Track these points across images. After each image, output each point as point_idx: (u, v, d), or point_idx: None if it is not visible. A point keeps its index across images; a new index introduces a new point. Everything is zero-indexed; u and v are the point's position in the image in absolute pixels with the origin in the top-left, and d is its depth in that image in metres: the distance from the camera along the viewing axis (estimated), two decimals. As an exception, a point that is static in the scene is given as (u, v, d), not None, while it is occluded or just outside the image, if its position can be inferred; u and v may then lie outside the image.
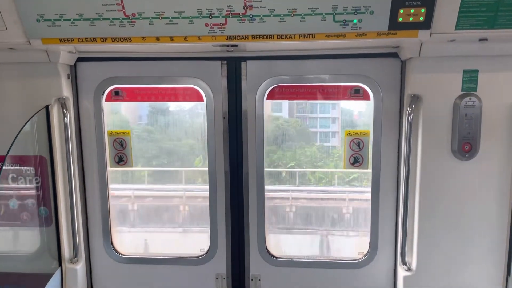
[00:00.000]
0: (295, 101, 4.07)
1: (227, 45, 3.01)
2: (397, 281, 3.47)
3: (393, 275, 3.56)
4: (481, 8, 2.55)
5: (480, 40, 2.78)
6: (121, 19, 2.76)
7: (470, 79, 2.99)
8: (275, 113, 4.09)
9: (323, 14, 2.65)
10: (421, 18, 2.61)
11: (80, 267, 3.57)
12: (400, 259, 3.32)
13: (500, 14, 2.56)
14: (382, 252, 3.54)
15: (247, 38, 2.80)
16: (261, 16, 2.69)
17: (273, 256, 3.65)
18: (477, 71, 2.98)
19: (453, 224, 3.18)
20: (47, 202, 3.44)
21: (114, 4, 2.71)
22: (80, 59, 3.42)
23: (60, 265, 3.49)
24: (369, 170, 3.48)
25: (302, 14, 2.66)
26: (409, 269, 3.31)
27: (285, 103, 3.47)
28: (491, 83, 2.99)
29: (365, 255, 3.58)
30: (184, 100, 3.67)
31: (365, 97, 3.39)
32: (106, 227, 3.68)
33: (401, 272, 3.34)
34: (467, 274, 3.22)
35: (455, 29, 2.64)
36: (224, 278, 3.69)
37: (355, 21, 2.67)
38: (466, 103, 3.00)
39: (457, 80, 3.01)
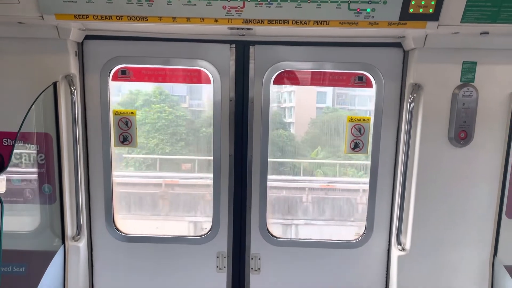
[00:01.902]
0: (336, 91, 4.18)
1: (242, 28, 3.07)
2: (390, 260, 3.66)
3: (387, 255, 3.75)
4: (486, 2, 2.71)
5: (482, 33, 2.95)
6: None
7: (469, 70, 3.18)
8: (319, 104, 4.20)
9: (339, 1, 2.76)
10: (431, 10, 2.75)
11: (82, 245, 3.59)
12: (395, 239, 3.50)
13: (503, 10, 2.73)
14: (377, 234, 3.72)
15: (263, 23, 2.87)
16: (279, 1, 2.76)
17: (273, 236, 3.78)
18: (475, 63, 3.16)
19: (446, 206, 3.38)
20: (52, 179, 3.43)
21: None
22: (87, 37, 3.40)
23: (63, 242, 3.50)
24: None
25: (319, 1, 2.76)
26: (403, 249, 3.49)
27: (329, 94, 3.55)
28: (488, 75, 3.18)
29: (361, 236, 3.75)
30: (191, 82, 3.71)
31: (368, 84, 3.53)
32: (108, 205, 3.70)
33: (395, 252, 3.53)
34: (458, 253, 3.44)
35: (461, 22, 2.80)
36: (224, 257, 3.79)
37: (368, 10, 2.78)
38: (464, 93, 3.18)
39: (456, 71, 3.19)
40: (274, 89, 3.58)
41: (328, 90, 3.47)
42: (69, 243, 3.53)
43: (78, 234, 3.54)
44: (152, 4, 2.80)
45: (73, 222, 3.53)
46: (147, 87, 4.24)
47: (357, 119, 3.59)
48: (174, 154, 5.30)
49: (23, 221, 3.53)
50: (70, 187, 3.46)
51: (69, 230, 3.52)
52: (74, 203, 3.47)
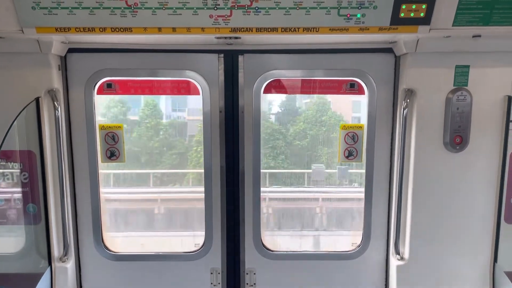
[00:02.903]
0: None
1: (230, 37, 2.99)
2: (389, 271, 3.57)
3: (385, 265, 3.66)
4: (478, 5, 2.67)
5: (474, 36, 2.91)
6: (122, 8, 2.68)
7: (462, 74, 3.13)
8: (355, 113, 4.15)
9: (328, 8, 2.69)
10: (422, 14, 2.70)
11: (70, 265, 3.44)
12: (394, 249, 3.42)
13: (495, 12, 2.69)
14: (375, 243, 3.63)
15: (251, 31, 2.79)
16: (267, 8, 2.69)
17: (268, 249, 3.67)
18: (468, 66, 3.11)
19: (444, 214, 3.31)
20: (36, 199, 3.30)
21: None
22: (71, 50, 3.30)
23: (50, 264, 3.36)
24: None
25: (308, 8, 2.69)
26: (402, 258, 3.41)
27: (363, 103, 3.50)
28: (481, 78, 3.13)
29: (358, 246, 3.66)
30: (179, 93, 3.62)
31: (360, 91, 3.47)
32: (96, 224, 3.57)
33: (394, 262, 3.44)
34: (458, 261, 3.37)
35: (453, 25, 2.75)
36: (219, 273, 3.67)
37: (358, 15, 2.72)
38: (458, 97, 3.13)
39: (449, 75, 3.14)
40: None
41: (362, 98, 3.44)
42: (56, 264, 3.38)
43: (65, 255, 3.40)
44: (136, 14, 2.71)
45: (60, 242, 3.39)
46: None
47: (350, 127, 3.52)
48: (278, 168, 5.39)
49: (7, 242, 3.39)
50: (55, 206, 3.33)
51: (56, 250, 3.38)
52: (61, 222, 3.34)
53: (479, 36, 2.90)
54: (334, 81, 3.51)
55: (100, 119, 3.61)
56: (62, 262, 3.40)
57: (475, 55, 3.09)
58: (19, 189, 3.30)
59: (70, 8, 2.67)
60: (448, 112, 3.15)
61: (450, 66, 3.12)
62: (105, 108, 3.99)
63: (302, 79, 3.54)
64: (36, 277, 3.24)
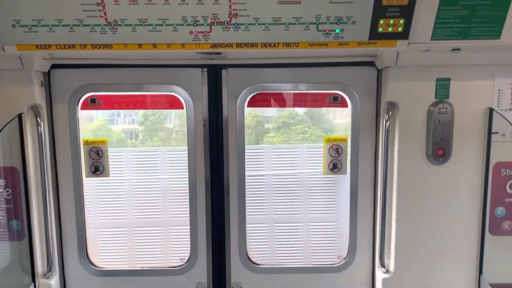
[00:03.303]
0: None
1: (211, 53, 3.01)
2: (375, 284, 3.56)
3: (371, 278, 3.65)
4: (455, 19, 2.69)
5: (453, 50, 2.93)
6: (102, 25, 2.70)
7: (443, 87, 3.15)
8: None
9: (307, 23, 2.71)
10: (400, 29, 2.72)
11: (54, 282, 3.42)
12: (379, 262, 3.41)
13: (473, 26, 2.71)
14: (360, 256, 3.63)
15: (232, 46, 2.81)
16: (246, 24, 2.71)
17: (254, 263, 3.66)
18: (449, 79, 3.14)
19: (429, 226, 3.31)
20: (19, 215, 3.29)
21: (95, 10, 2.64)
22: (54, 66, 3.31)
23: (33, 280, 3.34)
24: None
25: (287, 23, 2.71)
26: (387, 271, 3.40)
27: None
28: (462, 91, 3.16)
29: (344, 259, 3.65)
30: (164, 108, 3.63)
31: (343, 104, 3.48)
32: (81, 239, 3.56)
33: (380, 275, 3.43)
34: (443, 274, 3.36)
35: (431, 39, 2.77)
36: (204, 287, 3.65)
37: (337, 30, 2.74)
38: (439, 109, 3.14)
39: (430, 88, 3.16)
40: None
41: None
42: (40, 280, 3.36)
43: (49, 271, 3.37)
44: (116, 31, 2.72)
45: (44, 258, 3.37)
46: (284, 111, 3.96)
47: (334, 139, 3.53)
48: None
49: None
50: (39, 222, 3.32)
51: (39, 266, 3.36)
52: (44, 238, 3.32)
53: (459, 49, 2.92)
54: (318, 95, 3.53)
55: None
56: (46, 278, 3.38)
57: (455, 68, 3.11)
58: (3, 206, 3.29)
59: (50, 25, 2.69)
60: (430, 125, 3.17)
61: (431, 79, 3.14)
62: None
63: (285, 93, 3.55)
64: None
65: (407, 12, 2.66)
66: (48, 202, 3.28)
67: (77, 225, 3.54)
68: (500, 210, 3.32)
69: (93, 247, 3.67)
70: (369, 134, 3.46)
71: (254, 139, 3.75)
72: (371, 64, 3.33)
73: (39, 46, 2.78)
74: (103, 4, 2.62)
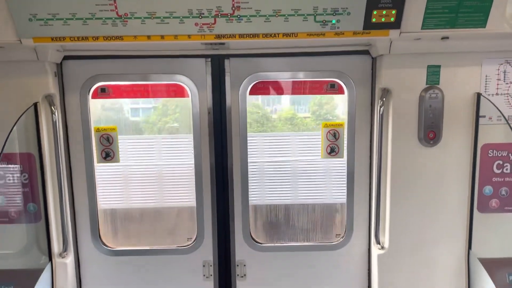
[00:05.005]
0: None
1: (215, 43, 3.19)
2: (371, 259, 3.78)
3: (368, 255, 3.87)
4: (444, 10, 2.88)
5: (443, 38, 3.12)
6: (113, 18, 2.88)
7: (433, 73, 3.34)
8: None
9: (305, 15, 2.90)
10: (392, 19, 2.91)
11: (69, 261, 3.64)
12: (374, 239, 3.63)
13: (460, 15, 2.90)
14: (357, 234, 3.85)
15: (235, 37, 2.99)
16: (248, 16, 2.90)
17: (257, 242, 3.88)
18: (439, 66, 3.33)
19: (421, 205, 3.52)
20: (36, 198, 3.49)
21: (107, 4, 2.82)
22: (66, 57, 3.49)
23: (50, 260, 3.55)
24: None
25: (286, 15, 2.89)
26: (382, 247, 3.62)
27: None
28: (451, 77, 3.35)
29: (342, 237, 3.87)
30: (169, 96, 3.81)
31: (340, 91, 3.68)
32: (94, 221, 3.77)
33: (375, 251, 3.65)
34: (435, 249, 3.57)
35: (421, 28, 2.96)
36: (210, 265, 3.87)
37: (333, 21, 2.93)
38: (430, 95, 3.34)
39: (422, 75, 3.35)
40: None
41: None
42: (56, 259, 3.58)
43: (65, 251, 3.59)
44: (126, 24, 2.91)
45: (59, 239, 3.58)
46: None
47: (332, 125, 3.73)
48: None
49: (9, 241, 3.58)
50: (54, 205, 3.52)
51: (56, 247, 3.57)
52: (60, 220, 3.53)
53: (448, 38, 3.11)
54: (315, 82, 3.71)
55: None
56: (62, 258, 3.60)
57: (445, 56, 3.30)
58: (20, 189, 3.49)
59: (64, 19, 2.87)
60: (422, 109, 3.36)
61: (422, 66, 3.33)
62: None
63: (285, 81, 3.74)
64: (38, 272, 3.42)
65: (398, 3, 2.85)
66: (62, 186, 3.48)
67: (90, 207, 3.75)
68: (488, 189, 3.52)
69: (105, 228, 3.90)
70: (364, 119, 3.66)
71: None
72: (366, 52, 3.52)
73: (54, 39, 2.96)
74: None
